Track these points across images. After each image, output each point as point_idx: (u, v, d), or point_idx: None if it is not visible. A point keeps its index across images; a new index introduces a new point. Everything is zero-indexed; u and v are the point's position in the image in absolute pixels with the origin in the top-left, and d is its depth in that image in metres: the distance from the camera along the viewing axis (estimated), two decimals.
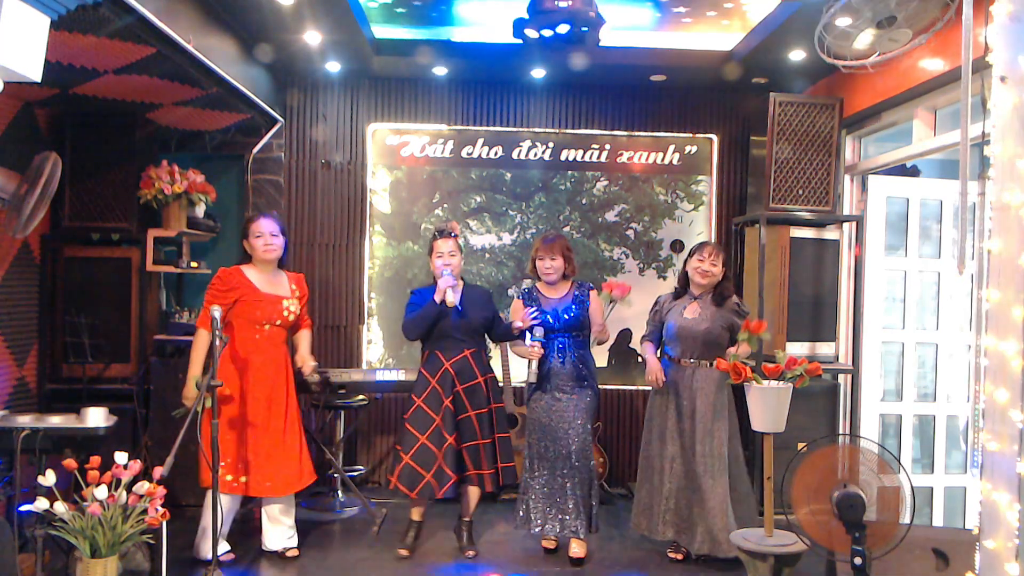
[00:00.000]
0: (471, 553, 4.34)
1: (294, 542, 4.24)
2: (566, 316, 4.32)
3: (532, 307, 4.36)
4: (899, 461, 3.42)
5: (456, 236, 4.36)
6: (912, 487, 3.35)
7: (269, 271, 4.17)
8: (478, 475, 4.29)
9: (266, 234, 4.12)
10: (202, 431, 3.73)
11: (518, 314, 4.43)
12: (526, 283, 5.06)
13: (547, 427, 4.30)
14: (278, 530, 4.20)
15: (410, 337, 4.35)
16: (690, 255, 4.40)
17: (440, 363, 4.26)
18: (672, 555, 4.34)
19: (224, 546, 4.10)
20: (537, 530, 4.32)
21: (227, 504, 4.02)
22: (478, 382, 4.30)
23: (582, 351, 4.38)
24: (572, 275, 4.47)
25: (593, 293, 4.43)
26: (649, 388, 4.44)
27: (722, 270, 4.31)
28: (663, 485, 4.30)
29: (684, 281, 4.42)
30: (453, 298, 4.17)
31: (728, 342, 4.26)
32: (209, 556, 3.95)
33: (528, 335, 4.33)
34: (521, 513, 4.36)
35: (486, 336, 4.48)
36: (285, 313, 4.14)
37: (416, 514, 4.41)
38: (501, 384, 4.56)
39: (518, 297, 4.54)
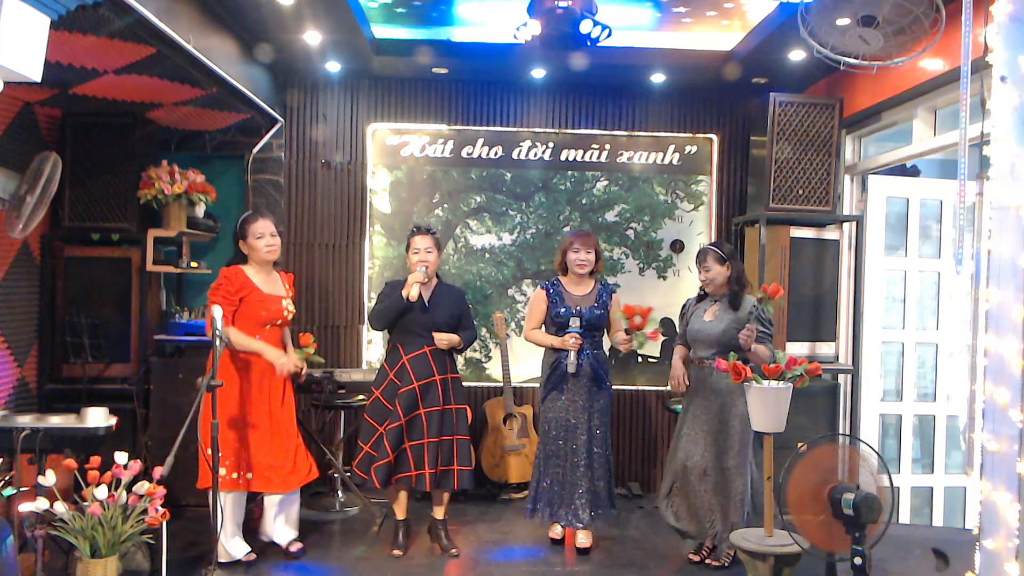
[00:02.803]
0: (455, 551, 4.33)
1: (295, 534, 4.26)
2: (590, 315, 4.36)
3: (561, 309, 4.38)
4: (882, 459, 3.44)
5: (434, 233, 4.35)
6: (892, 486, 3.37)
7: (266, 271, 4.19)
8: (418, 475, 4.21)
9: (267, 235, 4.14)
10: (202, 431, 3.73)
11: (539, 304, 4.45)
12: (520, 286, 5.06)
13: (565, 425, 4.35)
14: (279, 522, 4.21)
15: (374, 327, 4.37)
16: None
17: (399, 356, 4.26)
18: (692, 557, 4.32)
19: (245, 547, 4.11)
20: (546, 521, 4.41)
21: (233, 501, 4.03)
22: (433, 380, 4.25)
23: (598, 351, 4.42)
24: (598, 272, 4.53)
25: (615, 297, 4.48)
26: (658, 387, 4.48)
27: (725, 270, 4.26)
28: (686, 483, 4.28)
29: None
30: (415, 293, 4.17)
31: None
32: (223, 558, 4.00)
33: (573, 322, 4.33)
34: (531, 507, 4.43)
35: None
36: (285, 313, 4.16)
37: (400, 512, 4.42)
38: (500, 384, 4.58)
39: (541, 287, 4.52)
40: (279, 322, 4.13)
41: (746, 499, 4.11)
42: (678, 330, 4.53)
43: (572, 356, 4.29)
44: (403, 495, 4.39)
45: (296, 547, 4.22)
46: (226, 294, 4.02)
